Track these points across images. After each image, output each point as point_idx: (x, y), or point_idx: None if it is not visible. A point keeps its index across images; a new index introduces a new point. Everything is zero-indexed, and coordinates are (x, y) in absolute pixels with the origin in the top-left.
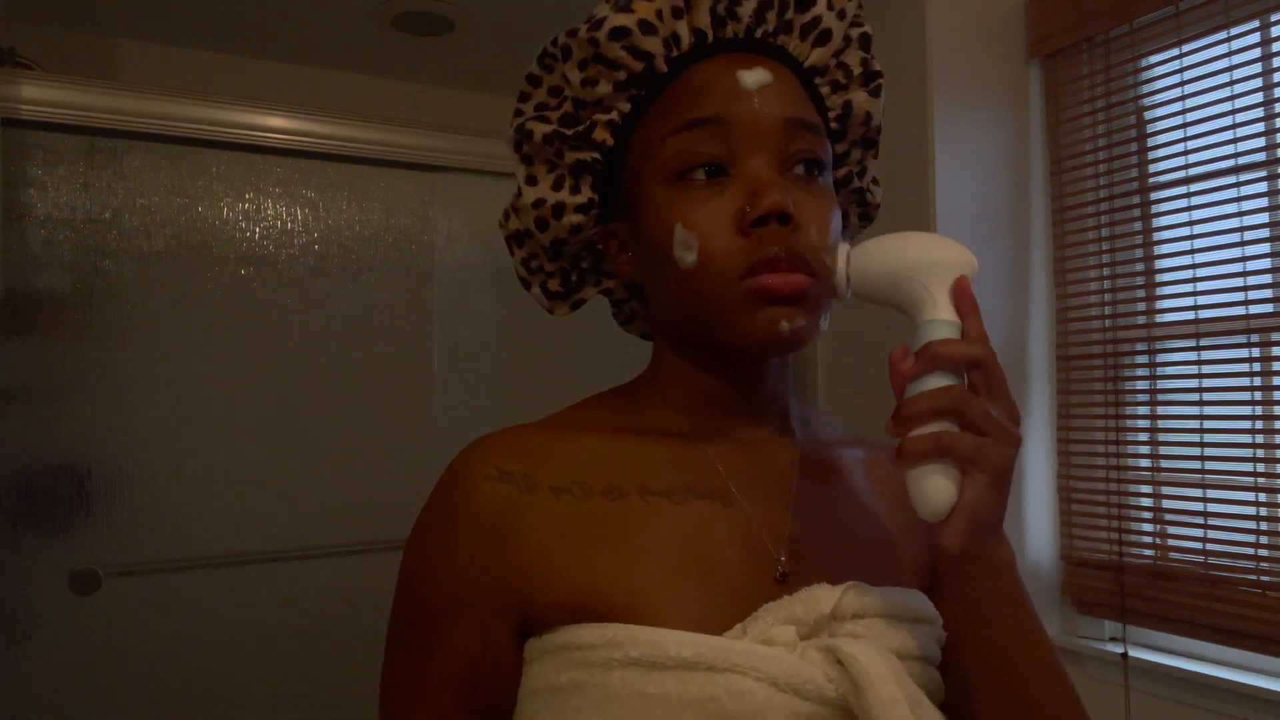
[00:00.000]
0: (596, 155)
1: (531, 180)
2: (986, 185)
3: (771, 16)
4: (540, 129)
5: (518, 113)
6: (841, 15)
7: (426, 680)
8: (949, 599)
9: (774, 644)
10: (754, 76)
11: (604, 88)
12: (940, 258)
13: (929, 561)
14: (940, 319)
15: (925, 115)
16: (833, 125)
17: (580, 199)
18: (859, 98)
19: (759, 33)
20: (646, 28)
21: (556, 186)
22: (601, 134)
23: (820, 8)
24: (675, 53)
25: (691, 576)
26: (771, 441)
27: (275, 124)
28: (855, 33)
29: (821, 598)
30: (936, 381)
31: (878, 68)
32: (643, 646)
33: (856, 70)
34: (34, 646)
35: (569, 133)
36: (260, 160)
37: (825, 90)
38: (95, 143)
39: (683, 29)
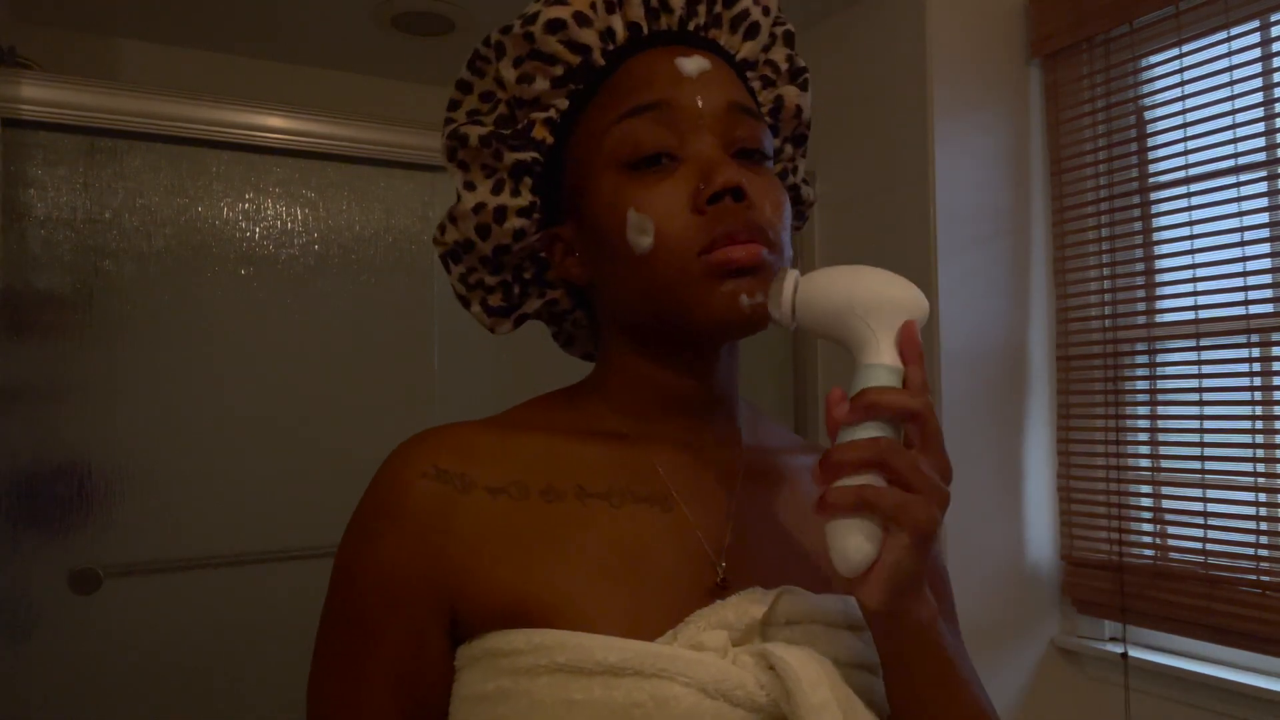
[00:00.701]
0: (536, 155)
1: (469, 186)
2: (986, 185)
3: (702, 10)
4: (475, 131)
5: (448, 121)
6: (766, 11)
7: (359, 684)
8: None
9: (704, 649)
10: (693, 63)
11: (541, 84)
12: (890, 298)
13: None
14: (881, 364)
15: (925, 115)
16: (767, 120)
17: (521, 201)
18: (789, 92)
19: (691, 25)
20: (582, 20)
21: (496, 190)
22: (541, 132)
23: (746, 2)
24: (611, 46)
25: (625, 581)
26: (716, 445)
27: (275, 124)
28: (779, 30)
29: (754, 602)
30: (869, 431)
31: (803, 63)
32: (569, 652)
33: (783, 66)
34: (34, 646)
35: (507, 133)
36: (260, 160)
37: (756, 85)
38: (95, 143)
39: (617, 23)
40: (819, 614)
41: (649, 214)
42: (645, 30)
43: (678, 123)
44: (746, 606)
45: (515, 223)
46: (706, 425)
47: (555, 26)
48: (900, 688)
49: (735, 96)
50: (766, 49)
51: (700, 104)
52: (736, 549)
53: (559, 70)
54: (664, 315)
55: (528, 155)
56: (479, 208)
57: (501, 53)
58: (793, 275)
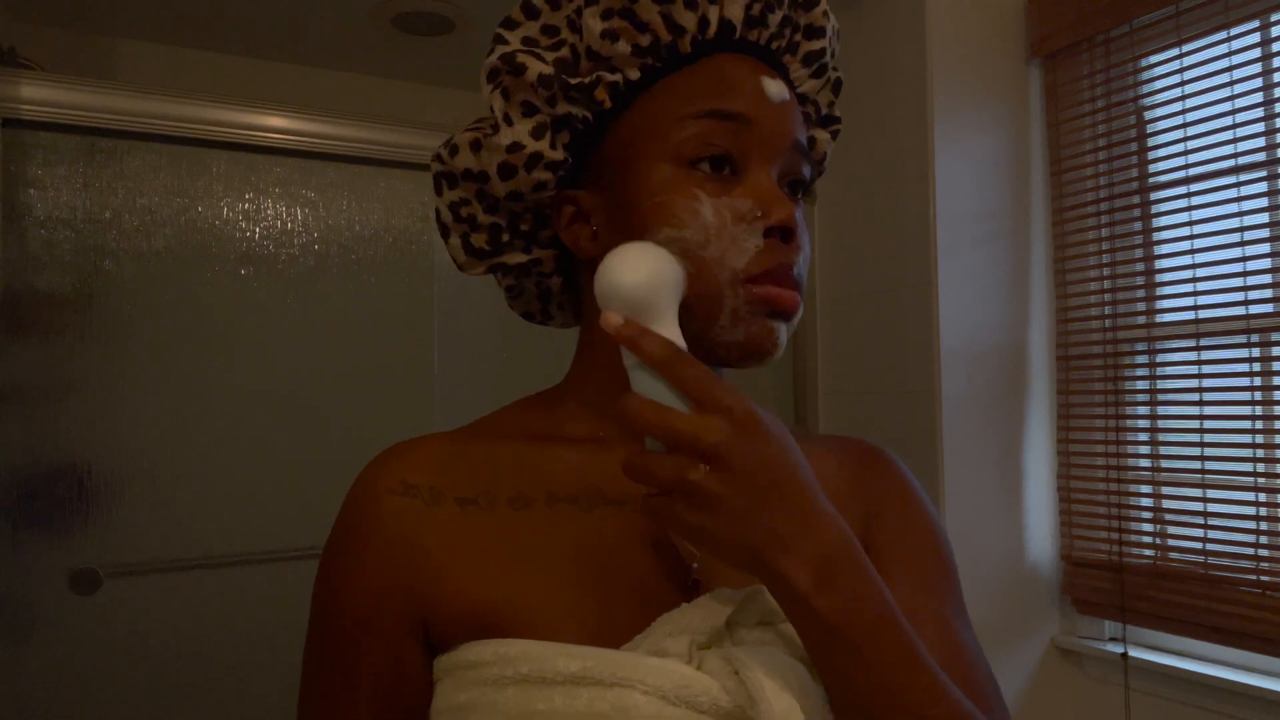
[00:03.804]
0: (589, 114)
1: (508, 120)
2: (986, 185)
3: (788, 34)
4: (537, 67)
5: (500, 39)
6: (833, 55)
7: (342, 703)
8: None
9: (667, 655)
10: (777, 88)
11: (622, 47)
12: (599, 290)
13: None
14: (627, 364)
15: (925, 115)
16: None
17: (557, 155)
18: (821, 136)
19: (774, 45)
20: (690, 1)
21: (537, 135)
22: (603, 94)
23: (825, 41)
24: (701, 37)
25: (594, 587)
26: None
27: (275, 124)
28: (834, 75)
29: (720, 604)
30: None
31: (839, 114)
32: (533, 662)
33: (824, 110)
34: (34, 646)
35: (572, 81)
36: (260, 160)
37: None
38: (95, 143)
39: (714, 15)
40: None
41: (703, 220)
42: (737, 34)
43: (751, 142)
44: (714, 609)
45: (542, 175)
46: None
47: None
48: (813, 661)
49: (799, 135)
50: (819, 90)
51: (775, 132)
52: None
53: (646, 40)
54: (690, 321)
55: (582, 111)
56: (515, 147)
57: None
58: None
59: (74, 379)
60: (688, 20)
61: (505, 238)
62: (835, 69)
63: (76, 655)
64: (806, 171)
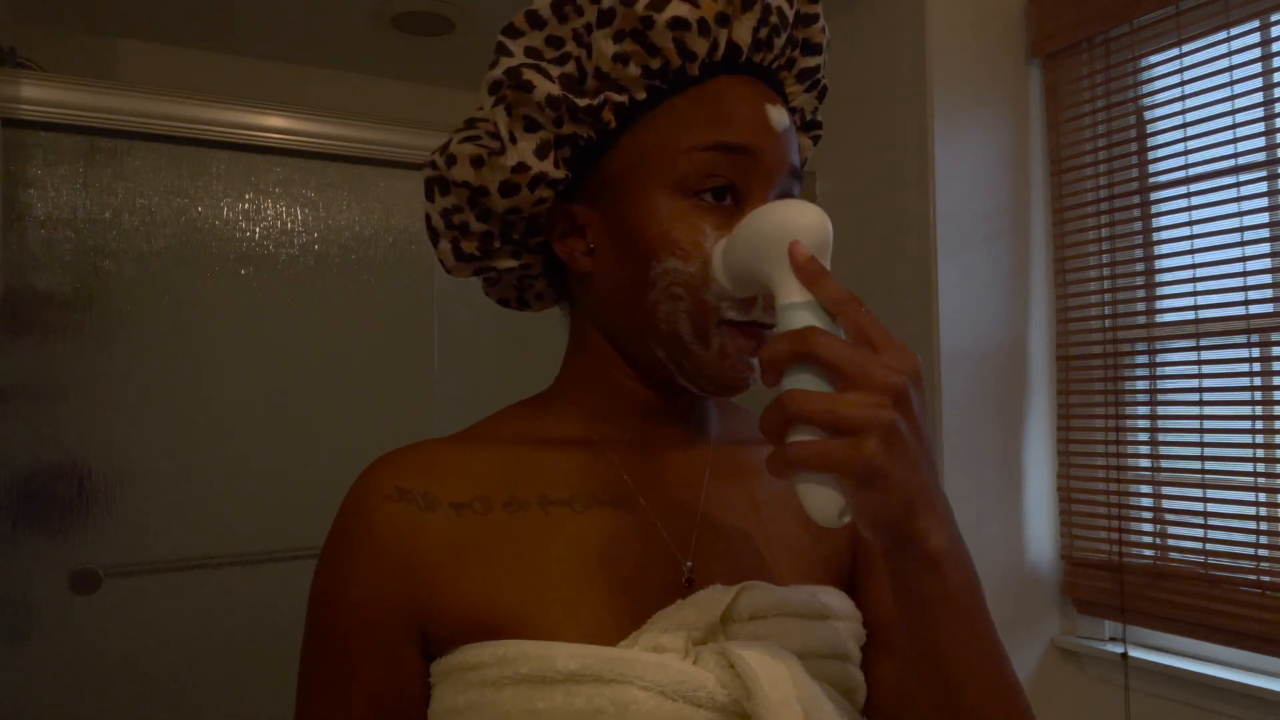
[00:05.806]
0: (592, 134)
1: (512, 138)
2: (986, 185)
3: (789, 53)
4: (545, 87)
5: (503, 49)
6: (824, 65)
7: (340, 708)
8: (876, 591)
9: (664, 651)
10: (779, 116)
11: (632, 70)
12: (769, 231)
13: (850, 556)
14: (790, 303)
15: (925, 115)
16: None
17: (559, 174)
18: (804, 141)
19: (774, 65)
20: (704, 28)
21: (540, 154)
22: (609, 115)
23: (820, 58)
24: (709, 60)
25: (590, 587)
26: (683, 444)
27: (275, 124)
28: (821, 83)
29: (714, 600)
30: (788, 383)
31: (821, 119)
32: (532, 662)
33: (809, 116)
34: (34, 646)
35: (581, 103)
36: (260, 160)
37: None
38: (95, 143)
39: (721, 38)
40: (786, 606)
41: (700, 253)
42: (742, 57)
43: (753, 172)
44: (708, 604)
45: (544, 192)
46: (672, 424)
47: (679, 25)
48: (912, 624)
49: (795, 160)
50: (808, 101)
51: (776, 162)
52: (705, 546)
53: (656, 64)
54: (670, 349)
55: (587, 132)
56: (521, 168)
57: (607, 20)
58: (719, 246)
59: (74, 379)
60: (700, 46)
61: (496, 244)
62: (825, 76)
63: (76, 655)
64: (796, 190)
